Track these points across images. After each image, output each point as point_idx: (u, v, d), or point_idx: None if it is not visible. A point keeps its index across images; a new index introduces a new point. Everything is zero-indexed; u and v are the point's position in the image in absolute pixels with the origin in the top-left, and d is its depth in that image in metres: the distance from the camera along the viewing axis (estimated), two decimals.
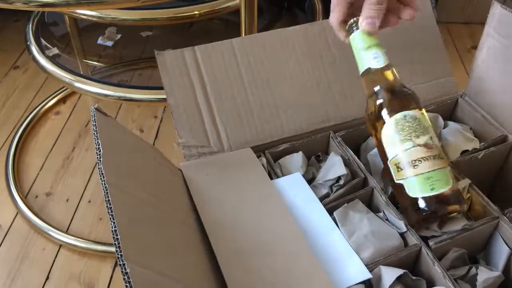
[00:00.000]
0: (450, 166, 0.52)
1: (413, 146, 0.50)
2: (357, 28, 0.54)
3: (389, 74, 0.54)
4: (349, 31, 0.56)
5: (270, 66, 0.63)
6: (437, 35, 0.68)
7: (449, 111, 0.68)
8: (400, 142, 0.51)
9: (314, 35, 0.65)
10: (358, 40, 0.54)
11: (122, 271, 0.31)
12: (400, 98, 0.53)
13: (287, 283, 0.45)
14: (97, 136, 0.42)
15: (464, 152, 0.60)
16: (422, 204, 0.49)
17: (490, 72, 0.63)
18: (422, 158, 0.49)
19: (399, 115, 0.51)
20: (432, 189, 0.48)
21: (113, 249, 1.03)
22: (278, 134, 0.61)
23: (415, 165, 0.50)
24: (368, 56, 0.54)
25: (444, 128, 0.64)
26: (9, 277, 1.01)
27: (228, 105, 0.61)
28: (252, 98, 0.62)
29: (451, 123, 0.64)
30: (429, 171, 0.49)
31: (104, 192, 0.37)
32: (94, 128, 0.43)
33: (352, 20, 0.55)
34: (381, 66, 0.53)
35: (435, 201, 0.49)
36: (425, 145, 0.50)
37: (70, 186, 1.20)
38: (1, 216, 1.13)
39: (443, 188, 0.48)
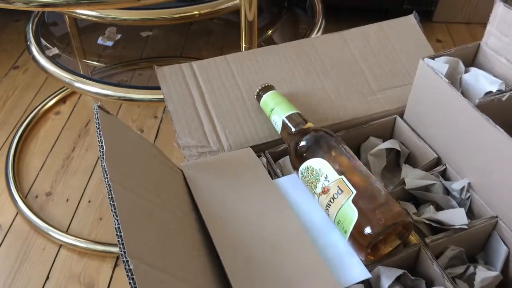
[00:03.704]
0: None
1: (318, 197, 0.51)
2: (264, 93, 0.60)
3: (286, 135, 0.58)
4: (258, 99, 0.61)
5: (264, 75, 0.65)
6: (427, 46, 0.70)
7: (470, 57, 0.63)
8: (313, 197, 0.53)
9: (304, 49, 0.68)
10: (262, 108, 0.61)
11: (125, 268, 0.31)
12: (297, 155, 0.55)
13: (289, 278, 0.45)
14: (100, 134, 0.42)
15: (488, 94, 0.54)
16: (360, 246, 0.48)
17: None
18: (326, 205, 0.50)
19: (300, 175, 0.54)
20: (345, 232, 0.48)
21: (113, 249, 1.04)
22: (278, 133, 0.61)
23: (328, 214, 0.51)
24: (273, 122, 0.60)
25: (465, 73, 0.59)
26: (9, 277, 1.01)
27: (226, 109, 0.62)
28: (250, 103, 0.63)
29: (472, 69, 0.60)
30: (335, 216, 0.49)
31: (108, 189, 0.37)
32: (97, 126, 0.43)
33: (259, 87, 0.61)
34: (279, 132, 0.59)
35: (362, 236, 0.47)
36: (322, 191, 0.50)
37: (70, 186, 1.20)
38: (1, 216, 1.13)
39: (352, 223, 0.47)
